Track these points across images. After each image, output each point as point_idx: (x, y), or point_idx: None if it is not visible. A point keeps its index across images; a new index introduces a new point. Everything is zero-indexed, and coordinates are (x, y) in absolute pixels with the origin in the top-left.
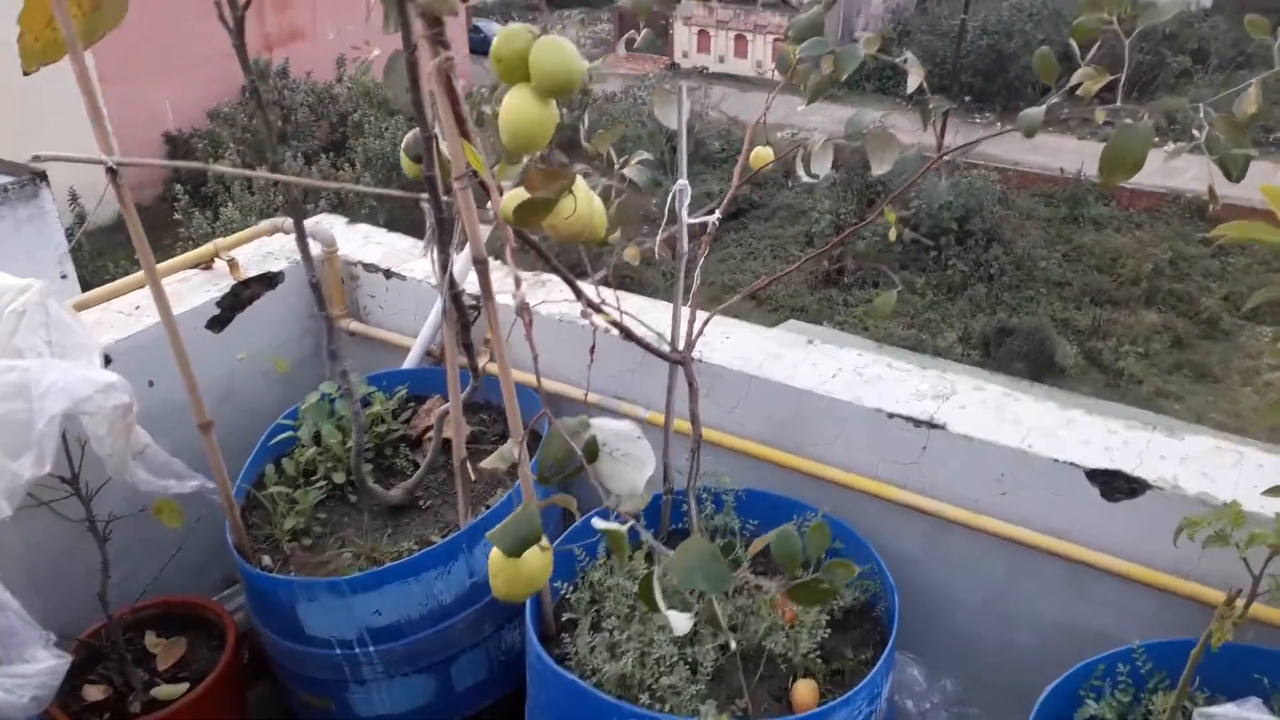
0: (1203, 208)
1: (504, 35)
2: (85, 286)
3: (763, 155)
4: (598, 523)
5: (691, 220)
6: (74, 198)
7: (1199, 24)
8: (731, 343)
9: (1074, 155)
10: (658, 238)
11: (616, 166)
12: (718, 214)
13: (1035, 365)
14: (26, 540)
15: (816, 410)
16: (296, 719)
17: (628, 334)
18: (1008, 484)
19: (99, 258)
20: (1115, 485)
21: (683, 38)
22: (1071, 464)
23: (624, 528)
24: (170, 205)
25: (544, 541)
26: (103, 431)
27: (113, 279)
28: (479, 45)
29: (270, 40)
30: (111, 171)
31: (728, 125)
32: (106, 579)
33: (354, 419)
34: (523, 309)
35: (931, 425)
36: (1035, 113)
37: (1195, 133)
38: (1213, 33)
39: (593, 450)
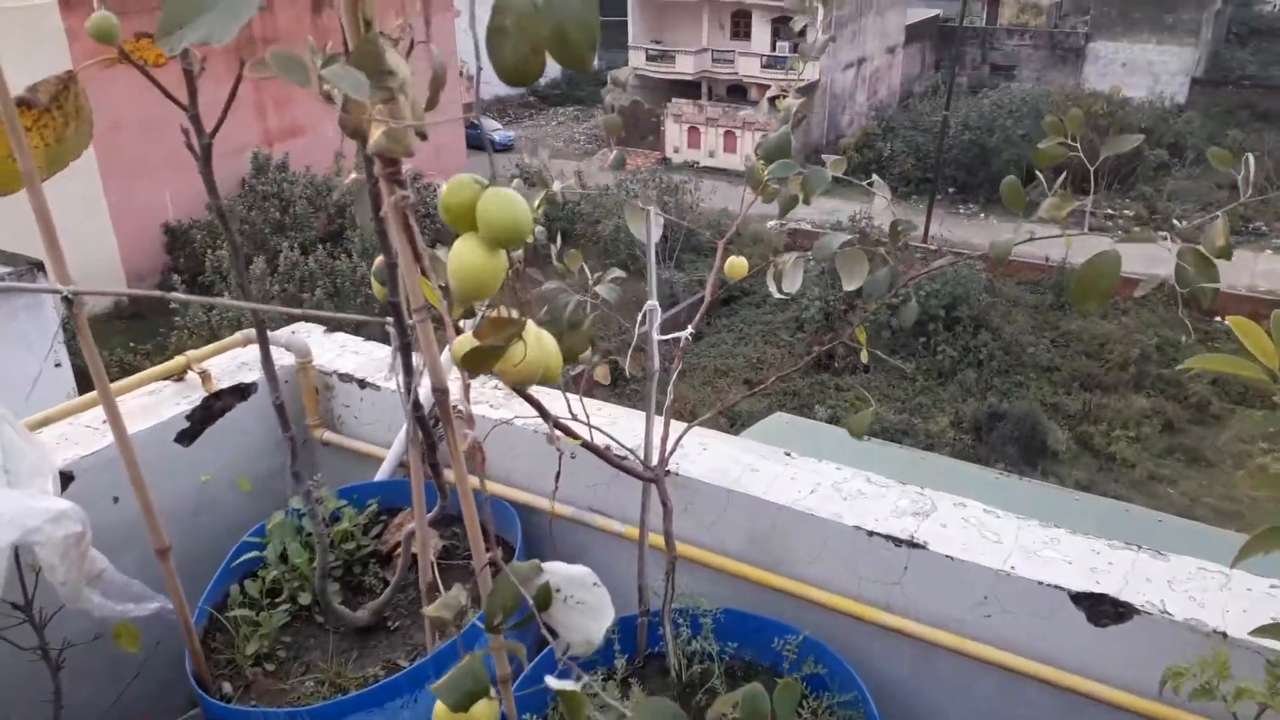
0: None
1: (451, 185)
2: (79, 375)
3: (737, 266)
4: (552, 681)
5: (663, 337)
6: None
7: (1173, 119)
8: (708, 454)
9: (1059, 244)
10: (628, 355)
11: (590, 283)
12: (690, 330)
13: (1027, 450)
14: None
15: (795, 526)
16: None
17: (597, 452)
18: (992, 606)
19: (94, 343)
20: (1101, 609)
21: (674, 134)
22: (1056, 586)
23: (580, 687)
24: (169, 291)
25: (492, 692)
26: (55, 560)
27: (107, 365)
28: (475, 140)
29: (271, 135)
30: (67, 300)
31: (717, 216)
32: (59, 708)
33: (318, 540)
34: (473, 449)
35: (913, 544)
36: (1006, 242)
37: (1175, 222)
38: (1187, 127)
39: (545, 598)
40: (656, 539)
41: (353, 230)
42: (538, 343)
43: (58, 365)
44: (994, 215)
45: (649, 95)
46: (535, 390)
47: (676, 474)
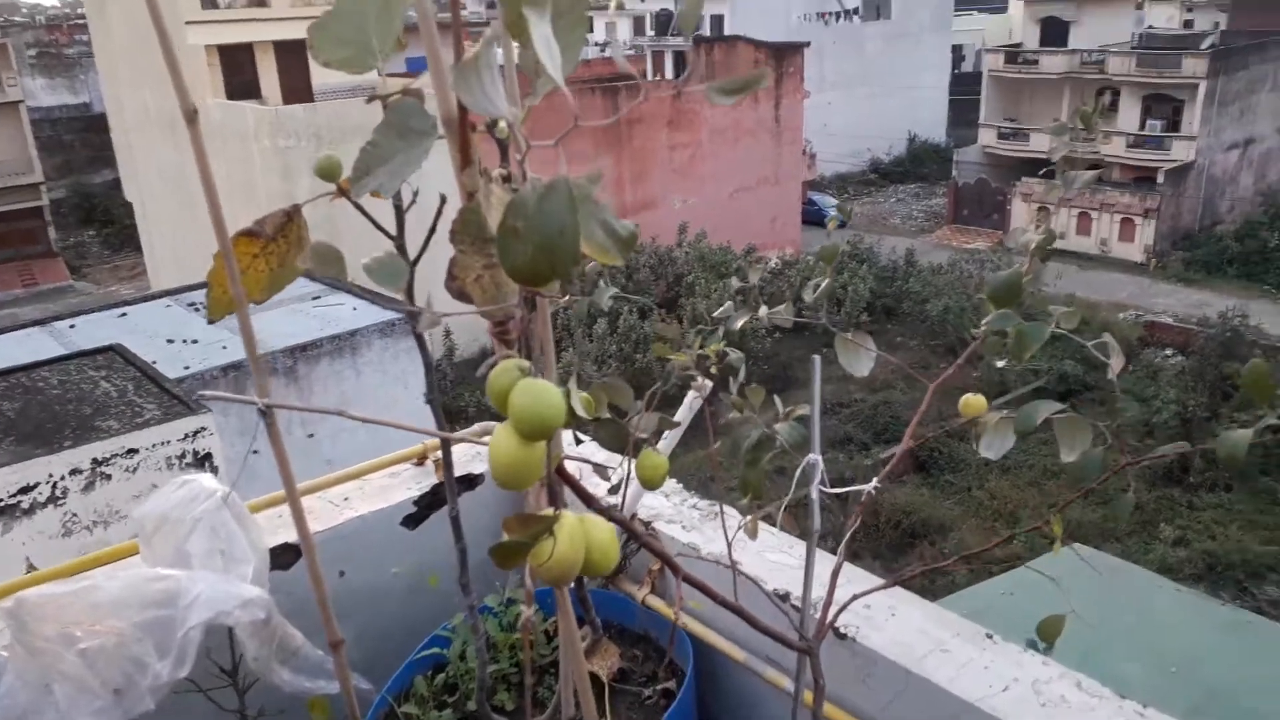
0: None
1: (496, 371)
2: (446, 409)
3: (973, 405)
4: None
5: (841, 490)
6: (448, 333)
7: None
8: (895, 621)
9: None
10: (780, 508)
11: (781, 414)
12: (875, 484)
13: None
14: None
15: None
16: None
17: (738, 612)
18: None
19: (459, 385)
20: None
21: (1020, 214)
22: None
23: None
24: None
25: None
26: (247, 638)
27: (466, 406)
28: (812, 215)
29: (625, 208)
30: (262, 413)
31: (1062, 302)
32: None
33: (478, 653)
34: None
35: None
36: (1238, 436)
37: None
38: None
39: None
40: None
41: (687, 299)
42: (571, 539)
43: (429, 402)
44: None
45: (997, 174)
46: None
47: (853, 639)
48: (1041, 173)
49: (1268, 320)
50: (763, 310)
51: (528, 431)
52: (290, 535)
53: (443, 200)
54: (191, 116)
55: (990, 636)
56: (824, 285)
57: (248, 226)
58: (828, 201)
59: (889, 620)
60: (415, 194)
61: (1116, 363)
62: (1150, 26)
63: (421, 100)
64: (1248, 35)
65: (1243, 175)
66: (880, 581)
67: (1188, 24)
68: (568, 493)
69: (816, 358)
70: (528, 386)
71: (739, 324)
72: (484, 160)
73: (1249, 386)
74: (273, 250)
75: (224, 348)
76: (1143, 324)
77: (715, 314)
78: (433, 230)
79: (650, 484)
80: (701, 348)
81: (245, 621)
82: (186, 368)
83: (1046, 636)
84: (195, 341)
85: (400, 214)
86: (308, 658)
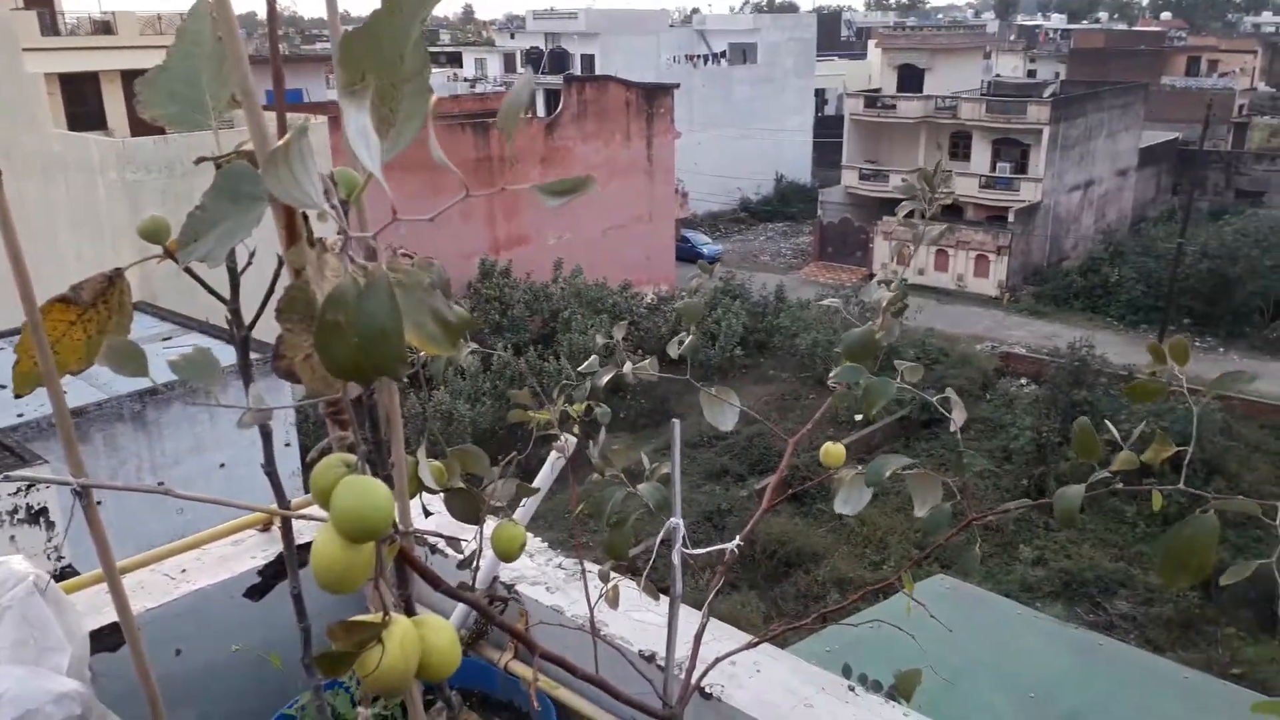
0: None
1: (319, 467)
2: (304, 454)
3: (833, 454)
4: None
5: (701, 551)
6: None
7: None
8: (760, 678)
9: None
10: (643, 575)
11: (647, 473)
12: (738, 541)
13: (1261, 614)
14: None
15: None
16: None
17: (599, 684)
18: None
19: (322, 426)
20: None
21: (882, 251)
22: None
23: None
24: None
25: None
26: None
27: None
28: (685, 253)
29: (499, 243)
30: (77, 494)
31: (922, 335)
32: None
33: None
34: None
35: None
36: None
37: None
38: None
39: None
40: None
41: (563, 334)
42: (402, 646)
43: (287, 445)
44: (1236, 350)
45: (860, 213)
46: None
47: (718, 699)
48: (899, 217)
49: (1111, 350)
50: (628, 366)
51: (351, 534)
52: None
53: (280, 262)
54: None
55: (853, 689)
56: (689, 341)
57: (61, 294)
58: (700, 239)
59: (753, 678)
60: (251, 255)
61: (959, 415)
62: (998, 75)
63: (255, 164)
64: (1084, 85)
65: (1085, 214)
66: (745, 639)
67: (1031, 74)
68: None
69: (676, 422)
70: (351, 485)
71: (605, 379)
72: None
73: (1079, 446)
74: (91, 317)
75: (64, 392)
76: (999, 355)
77: (580, 369)
78: (268, 297)
79: (506, 557)
80: (568, 403)
81: (60, 719)
82: (20, 415)
83: (904, 691)
84: None
85: (235, 278)
86: None
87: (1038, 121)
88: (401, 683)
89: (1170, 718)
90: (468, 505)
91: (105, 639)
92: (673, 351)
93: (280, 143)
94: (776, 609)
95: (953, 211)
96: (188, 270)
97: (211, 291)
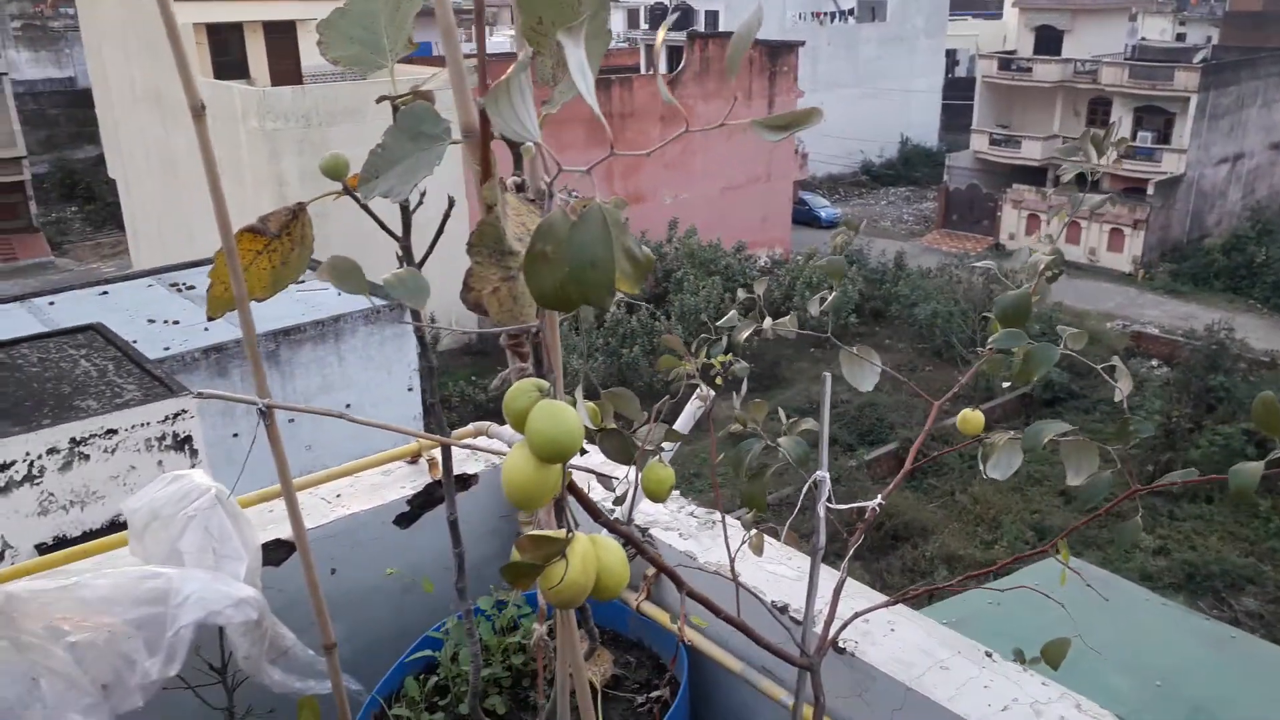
0: None
1: (512, 391)
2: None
3: (972, 422)
4: None
5: (846, 506)
6: (433, 320)
7: None
8: (894, 637)
9: None
10: (786, 526)
11: (785, 428)
12: (880, 500)
13: None
14: (172, 718)
15: None
16: None
17: (741, 628)
18: None
19: (443, 375)
20: None
21: (1010, 220)
22: None
23: None
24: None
25: None
26: (238, 637)
27: (450, 396)
28: (802, 216)
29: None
30: (262, 413)
31: (1050, 310)
32: None
33: (472, 658)
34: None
35: None
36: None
37: None
38: None
39: None
40: None
41: (675, 295)
42: (583, 563)
43: (409, 389)
44: None
45: (988, 180)
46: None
47: (852, 654)
48: (1060, 182)
49: (1252, 334)
50: (767, 322)
51: (546, 455)
52: (280, 531)
53: (450, 203)
54: (199, 112)
55: (990, 655)
56: (831, 298)
57: (251, 224)
58: (818, 202)
59: (887, 636)
60: (423, 196)
61: (1125, 385)
62: (1143, 38)
63: (432, 102)
64: (1239, 51)
65: (1231, 189)
66: (881, 598)
67: (1180, 37)
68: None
69: (828, 375)
70: (546, 410)
71: (745, 335)
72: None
73: (1260, 419)
74: (276, 248)
75: (205, 329)
76: (1130, 334)
77: (720, 323)
78: (439, 233)
79: (656, 497)
80: (706, 357)
81: (237, 621)
82: (167, 349)
83: (1052, 660)
84: (176, 323)
85: (407, 215)
86: (298, 658)
87: (1185, 89)
88: (580, 595)
89: None
90: (622, 446)
91: (269, 554)
92: (814, 309)
93: (503, 78)
94: (881, 582)
95: (1084, 182)
96: (364, 207)
97: (385, 229)
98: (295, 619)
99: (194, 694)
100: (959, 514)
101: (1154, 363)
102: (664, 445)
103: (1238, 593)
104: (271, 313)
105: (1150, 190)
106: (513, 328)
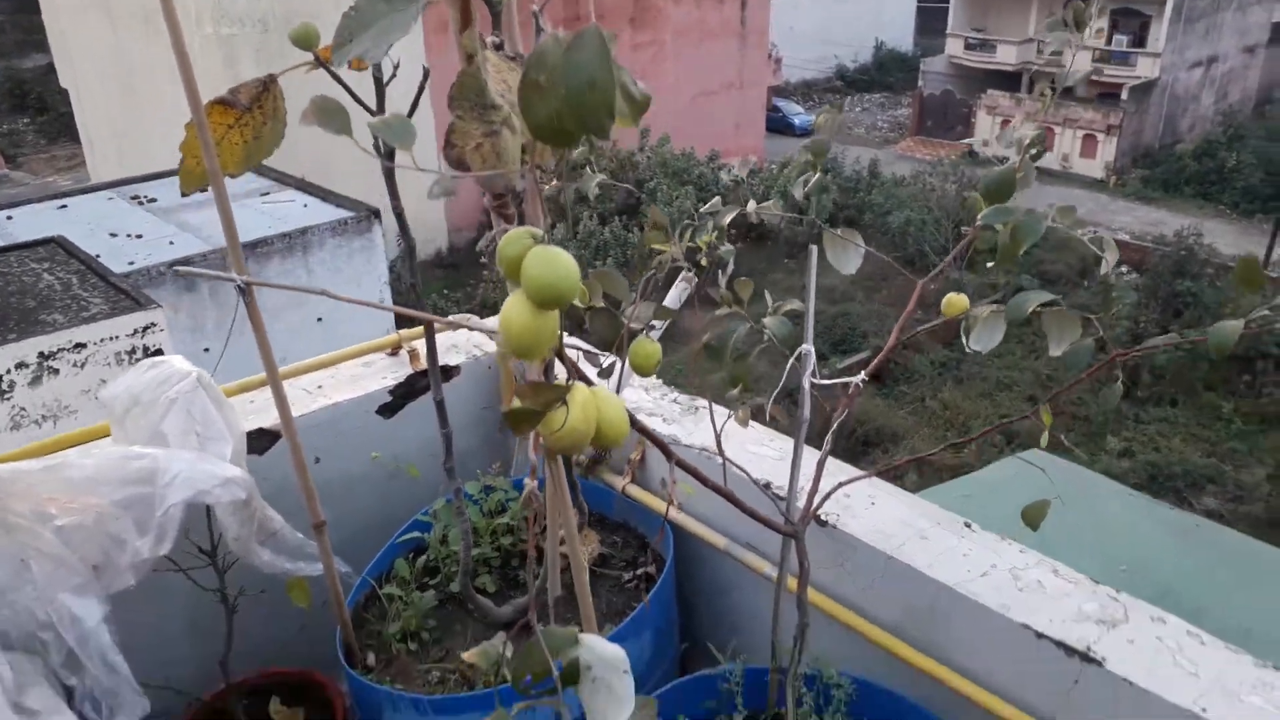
0: None
1: (508, 238)
2: (407, 307)
3: (956, 303)
4: None
5: (828, 382)
6: (402, 229)
7: None
8: (875, 510)
9: None
10: (771, 397)
11: (770, 310)
12: (863, 376)
13: None
14: (161, 603)
15: (957, 611)
16: None
17: (728, 497)
18: None
19: (411, 289)
20: None
21: (984, 126)
22: None
23: None
24: (479, 253)
25: None
26: (227, 518)
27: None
28: (776, 124)
29: None
30: (241, 290)
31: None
32: (229, 649)
33: (462, 535)
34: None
35: (1086, 658)
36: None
37: None
38: None
39: (573, 674)
40: (817, 598)
41: (648, 205)
42: (584, 411)
43: (412, 285)
44: None
45: (963, 85)
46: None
47: (834, 526)
48: (1036, 90)
49: (1221, 240)
50: (751, 204)
51: (543, 300)
52: (263, 420)
53: (425, 73)
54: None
55: (969, 525)
56: (814, 179)
57: (222, 95)
58: (792, 108)
59: (868, 510)
60: (396, 67)
61: (1111, 256)
62: None
63: None
64: None
65: (1204, 94)
66: (860, 473)
67: None
68: None
69: (814, 248)
70: (542, 254)
71: (728, 218)
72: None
73: (1241, 277)
74: (248, 122)
75: (170, 243)
76: (1100, 241)
77: (704, 209)
78: (416, 101)
79: (644, 370)
80: (692, 239)
81: (226, 501)
82: (131, 263)
83: (1031, 521)
84: (139, 236)
85: (380, 88)
86: (287, 540)
87: None
88: (581, 442)
89: (1270, 600)
90: (611, 324)
91: (253, 442)
92: (798, 192)
93: None
94: None
95: (1064, 88)
96: (335, 78)
97: (357, 99)
98: (282, 506)
99: (185, 576)
100: (929, 419)
101: (1124, 269)
102: (654, 323)
103: (1198, 492)
104: (238, 225)
105: (1124, 95)
106: (495, 175)
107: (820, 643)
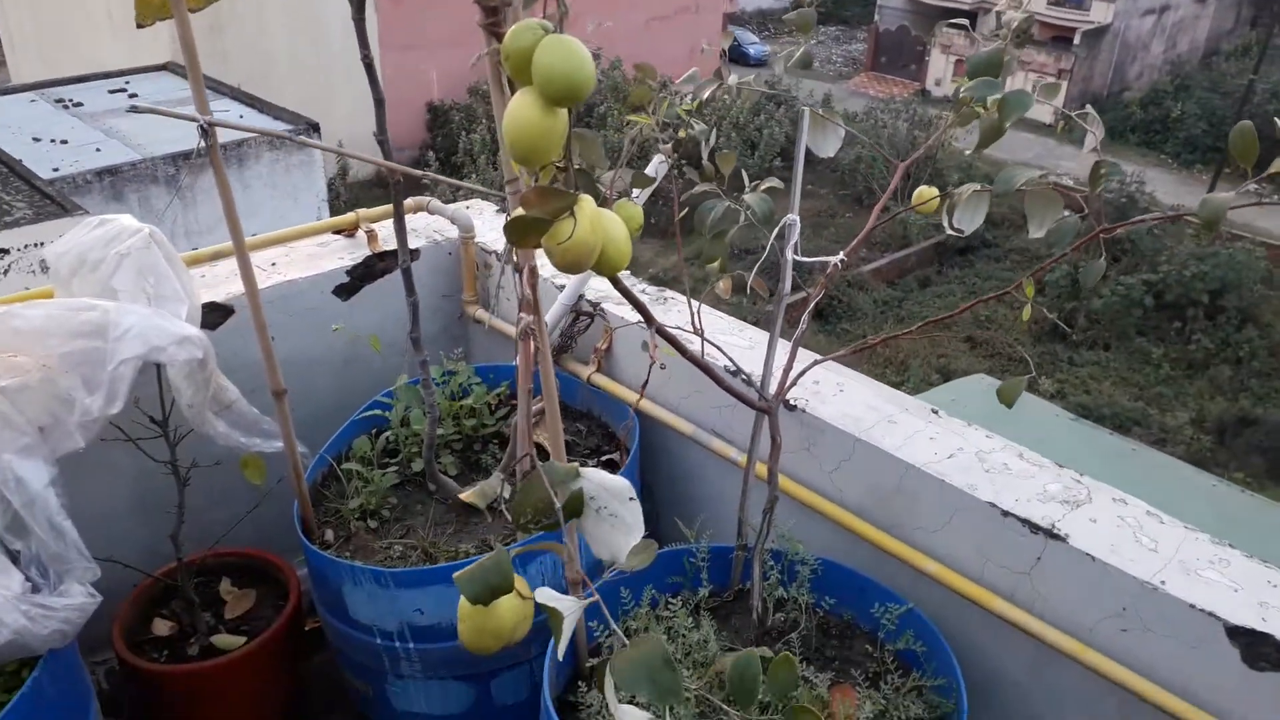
0: None
1: (514, 31)
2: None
3: (925, 195)
4: (543, 596)
5: (807, 259)
6: (340, 145)
7: None
8: (844, 396)
9: None
10: (752, 272)
11: (748, 188)
12: (841, 256)
13: (1272, 462)
14: (111, 474)
15: (924, 490)
16: (346, 696)
17: (704, 368)
18: (1131, 620)
19: (354, 205)
20: (1262, 652)
21: (938, 65)
22: (1211, 614)
23: (570, 608)
24: (422, 169)
25: (523, 589)
26: (181, 382)
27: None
28: (730, 53)
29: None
30: (204, 131)
31: (969, 158)
32: (180, 522)
33: (428, 411)
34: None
35: (1051, 534)
36: (1221, 200)
37: None
38: None
39: (576, 505)
40: (786, 483)
41: (598, 130)
42: (591, 225)
43: (319, 218)
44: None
45: (920, 21)
46: (680, 303)
47: (803, 410)
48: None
49: (1161, 188)
50: (732, 78)
51: (555, 93)
52: (215, 294)
53: None
54: None
55: (936, 412)
56: (799, 53)
57: None
58: (747, 37)
59: (837, 395)
60: None
61: (1099, 131)
62: None
63: None
64: None
65: (1155, 42)
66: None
67: None
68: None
69: (805, 109)
70: (555, 43)
71: (708, 92)
72: None
73: (1236, 149)
74: None
75: (98, 150)
76: (1049, 185)
77: (679, 80)
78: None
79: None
80: (669, 110)
81: (181, 360)
82: (56, 170)
83: (1007, 399)
84: (65, 142)
85: None
86: (243, 413)
87: None
88: (586, 258)
89: (1198, 518)
90: (588, 187)
91: (206, 317)
92: (778, 68)
93: None
94: None
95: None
96: None
97: None
98: (237, 385)
99: (135, 446)
100: (869, 357)
101: (1066, 213)
102: (634, 194)
103: (1125, 434)
104: (169, 136)
105: (1076, 39)
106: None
107: (785, 525)
